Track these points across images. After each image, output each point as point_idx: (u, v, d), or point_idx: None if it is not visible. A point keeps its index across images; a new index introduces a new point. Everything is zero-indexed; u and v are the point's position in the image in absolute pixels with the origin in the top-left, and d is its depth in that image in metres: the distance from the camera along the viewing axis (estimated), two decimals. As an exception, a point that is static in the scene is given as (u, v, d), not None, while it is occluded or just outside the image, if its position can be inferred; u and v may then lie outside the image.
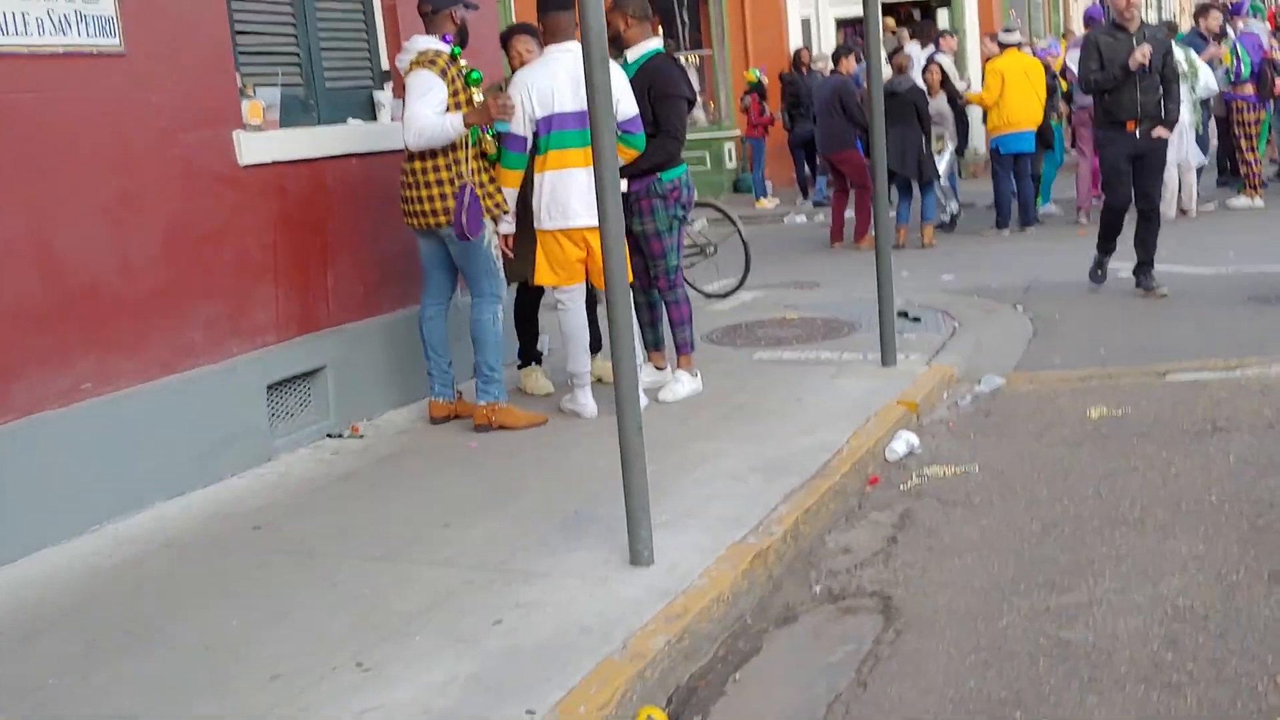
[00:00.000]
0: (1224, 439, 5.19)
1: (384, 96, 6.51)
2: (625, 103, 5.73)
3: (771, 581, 4.17)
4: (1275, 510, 4.35)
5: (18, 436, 4.53)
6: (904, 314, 7.73)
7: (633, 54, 6.16)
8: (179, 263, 5.23)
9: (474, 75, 5.73)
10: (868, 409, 5.81)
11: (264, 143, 5.67)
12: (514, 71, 6.14)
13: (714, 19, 18.73)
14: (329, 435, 5.99)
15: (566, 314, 6.00)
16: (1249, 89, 12.09)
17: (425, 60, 5.61)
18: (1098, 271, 8.76)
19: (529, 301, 6.72)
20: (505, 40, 6.40)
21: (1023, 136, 12.07)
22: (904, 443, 5.48)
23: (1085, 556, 4.11)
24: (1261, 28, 12.49)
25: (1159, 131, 8.11)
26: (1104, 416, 5.67)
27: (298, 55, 6.10)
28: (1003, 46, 12.32)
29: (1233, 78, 12.00)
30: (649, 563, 4.05)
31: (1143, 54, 7.82)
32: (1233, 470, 4.79)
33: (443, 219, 5.68)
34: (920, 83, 12.06)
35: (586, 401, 6.03)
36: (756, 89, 16.39)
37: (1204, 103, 12.25)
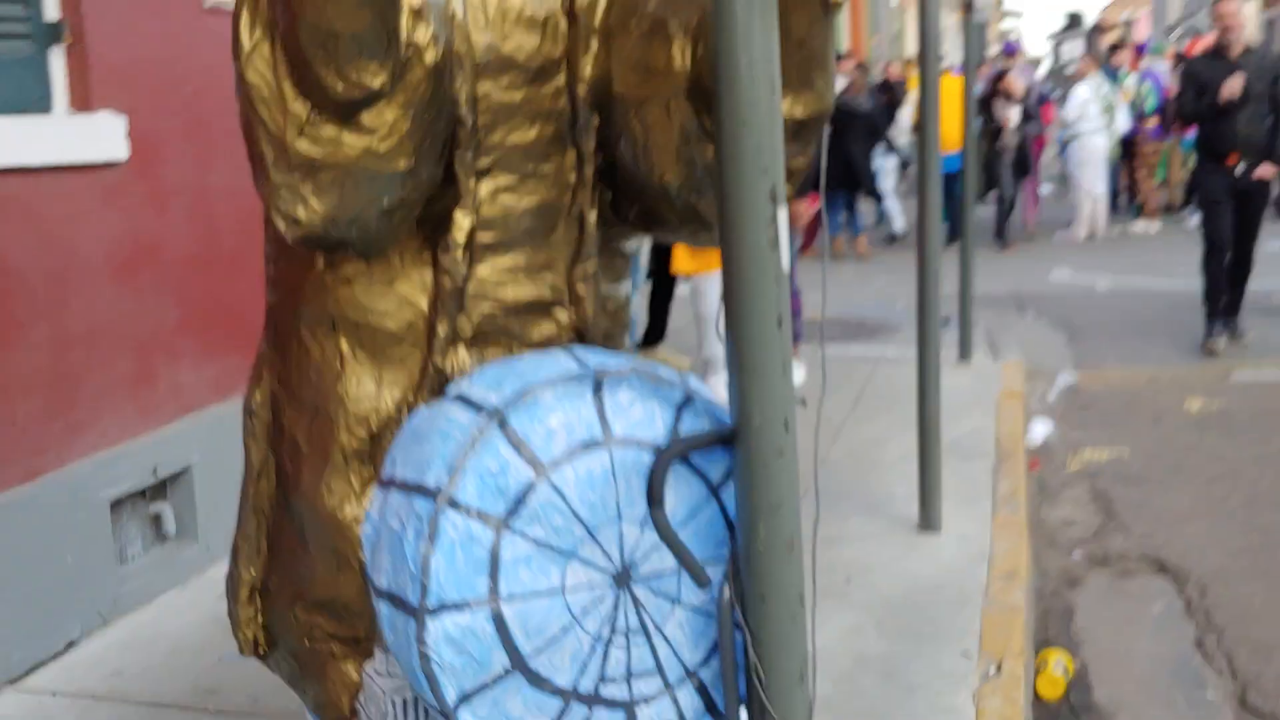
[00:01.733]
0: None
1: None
2: None
3: (1035, 550, 4.50)
4: None
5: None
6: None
7: None
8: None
9: None
10: (984, 399, 6.20)
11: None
12: None
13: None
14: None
15: (703, 299, 6.19)
16: (1153, 122, 13.13)
17: None
18: (1210, 337, 7.49)
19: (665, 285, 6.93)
20: None
21: (948, 159, 12.77)
22: (1040, 430, 5.90)
23: (1302, 524, 4.59)
24: (1163, 66, 13.59)
25: (1263, 171, 7.14)
26: (1204, 409, 6.21)
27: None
28: (930, 70, 12.99)
29: (1138, 112, 13.01)
30: (939, 529, 4.32)
31: (1237, 84, 6.86)
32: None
33: None
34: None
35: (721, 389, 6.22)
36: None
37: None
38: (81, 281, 3.65)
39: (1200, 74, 7.15)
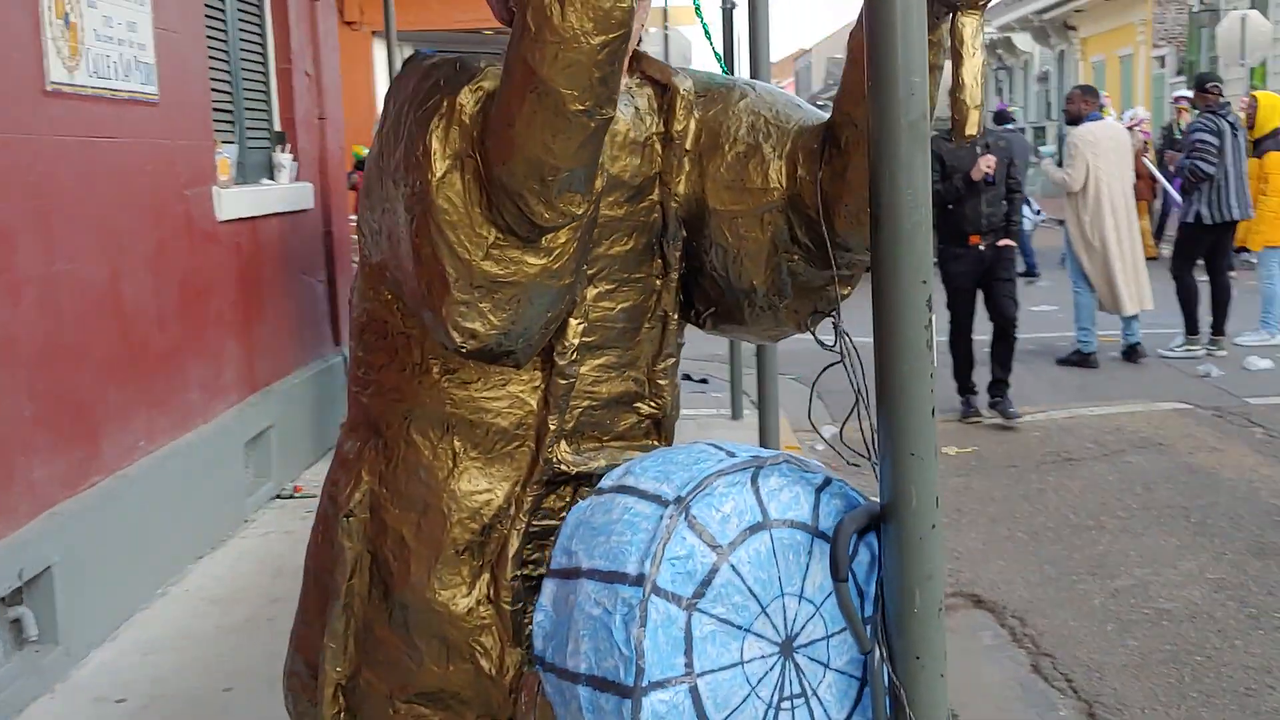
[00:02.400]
0: (1076, 466, 6.47)
1: (283, 159, 6.49)
2: None
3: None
4: (1202, 508, 5.61)
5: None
6: (687, 376, 8.60)
7: None
8: (185, 319, 5.07)
9: None
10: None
11: (234, 199, 5.59)
12: None
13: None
14: (278, 496, 5.90)
15: None
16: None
17: None
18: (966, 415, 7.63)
19: None
20: None
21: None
22: (828, 480, 6.32)
23: (1081, 556, 5.14)
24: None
25: (1005, 240, 7.34)
26: (960, 454, 6.81)
27: (232, 114, 6.01)
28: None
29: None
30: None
31: (990, 164, 7.12)
32: (1100, 485, 6.05)
33: None
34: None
35: None
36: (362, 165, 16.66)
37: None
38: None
39: (944, 155, 7.04)
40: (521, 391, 1.86)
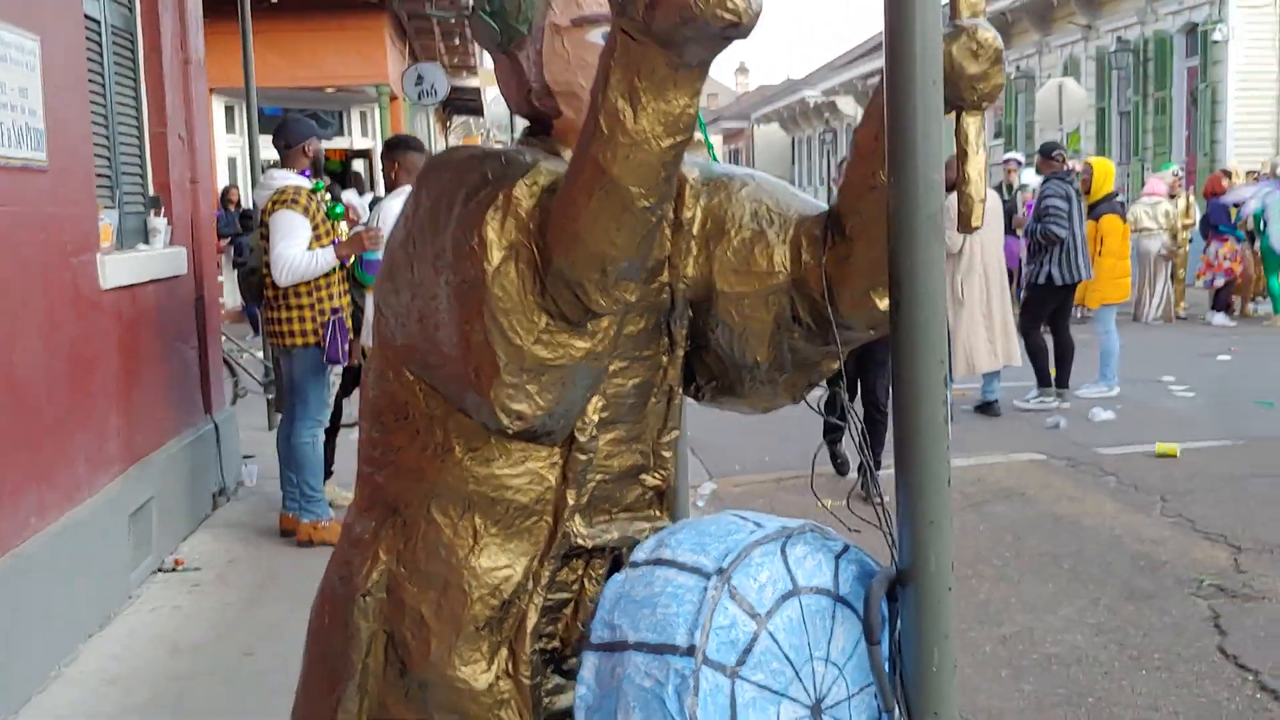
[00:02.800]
0: (985, 507, 6.73)
1: (158, 223, 6.38)
2: None
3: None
4: (1072, 555, 5.90)
5: None
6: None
7: None
8: (72, 389, 4.94)
9: (337, 210, 6.00)
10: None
11: (117, 266, 5.48)
12: (387, 183, 6.35)
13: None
14: (159, 570, 5.74)
15: None
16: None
17: (287, 199, 5.79)
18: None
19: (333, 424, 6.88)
20: (393, 151, 6.42)
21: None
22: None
23: (966, 604, 5.36)
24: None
25: None
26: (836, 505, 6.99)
27: (110, 179, 5.90)
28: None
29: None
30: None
31: None
32: (971, 535, 6.32)
33: (299, 340, 5.86)
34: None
35: None
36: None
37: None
38: None
39: None
40: (540, 468, 1.92)
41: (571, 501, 1.93)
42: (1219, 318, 14.91)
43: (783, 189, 2.07)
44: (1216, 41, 21.14)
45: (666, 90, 1.54)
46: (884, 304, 1.93)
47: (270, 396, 8.88)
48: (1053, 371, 9.59)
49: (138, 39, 6.39)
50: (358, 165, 20.20)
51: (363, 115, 20.89)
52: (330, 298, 5.96)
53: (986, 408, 9.27)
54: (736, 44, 1.55)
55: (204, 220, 7.17)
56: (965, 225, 1.83)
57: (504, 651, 1.94)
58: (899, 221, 1.73)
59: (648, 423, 2.04)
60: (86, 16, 5.53)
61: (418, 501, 1.94)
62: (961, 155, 1.83)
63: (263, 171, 7.70)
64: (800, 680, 1.76)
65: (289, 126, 6.04)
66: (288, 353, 5.98)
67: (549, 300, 1.71)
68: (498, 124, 21.50)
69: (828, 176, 37.08)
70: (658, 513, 2.09)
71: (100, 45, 5.80)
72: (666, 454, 2.07)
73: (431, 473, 1.93)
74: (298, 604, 5.00)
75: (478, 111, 36.05)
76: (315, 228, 5.82)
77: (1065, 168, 9.86)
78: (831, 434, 7.30)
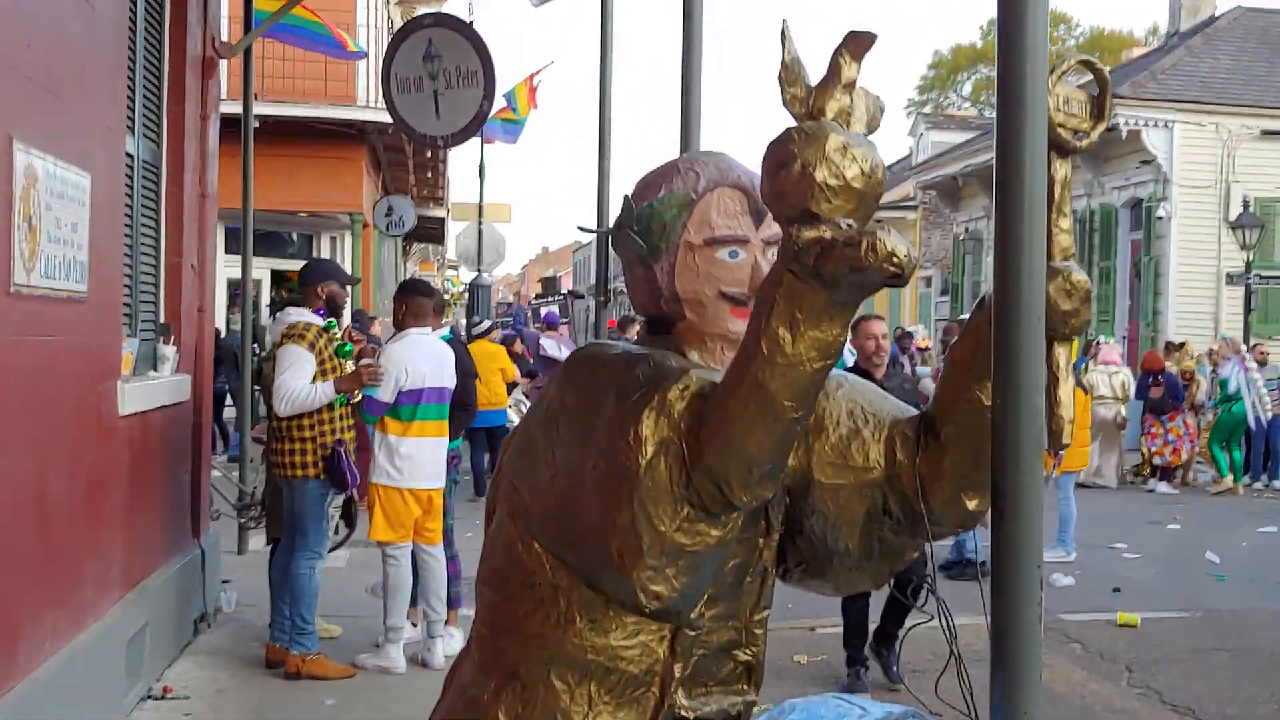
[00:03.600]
0: (918, 678, 6.87)
1: (168, 351, 6.52)
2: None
3: None
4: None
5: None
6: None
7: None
8: (88, 515, 5.03)
9: (346, 349, 6.18)
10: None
11: (133, 393, 5.60)
12: (395, 323, 6.54)
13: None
14: (148, 697, 5.75)
15: (399, 568, 6.37)
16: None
17: (295, 334, 6.02)
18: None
19: None
20: (404, 295, 6.57)
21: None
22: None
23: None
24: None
25: None
26: (811, 661, 7.15)
27: (129, 307, 6.05)
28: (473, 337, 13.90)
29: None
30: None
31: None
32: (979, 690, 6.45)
33: (299, 472, 6.01)
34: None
35: (398, 657, 6.36)
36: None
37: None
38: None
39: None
40: (651, 640, 2.10)
41: (678, 674, 2.10)
42: (1162, 486, 15.32)
43: (874, 390, 2.30)
44: (1160, 218, 22.05)
45: (822, 322, 1.76)
46: (972, 504, 2.14)
47: (242, 520, 8.93)
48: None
49: (162, 173, 6.60)
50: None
51: (333, 240, 21.16)
52: (332, 431, 6.11)
53: (964, 565, 9.41)
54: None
55: (206, 348, 7.32)
56: (1055, 443, 2.05)
57: None
58: (1004, 438, 1.94)
59: (743, 601, 2.22)
60: (126, 154, 5.73)
61: (538, 667, 2.10)
62: (1053, 380, 2.05)
63: (269, 305, 7.90)
64: None
65: (309, 267, 6.30)
66: (289, 484, 6.10)
67: (692, 492, 1.90)
68: (465, 258, 21.76)
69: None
70: (746, 686, 2.26)
71: (132, 180, 6.00)
72: (758, 631, 2.25)
73: (553, 640, 2.09)
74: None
75: (438, 240, 36.59)
76: (322, 364, 6.01)
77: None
78: (882, 643, 6.61)
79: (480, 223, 20.66)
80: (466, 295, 26.87)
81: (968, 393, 2.08)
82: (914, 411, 2.24)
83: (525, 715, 2.10)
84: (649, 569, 1.92)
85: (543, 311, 24.44)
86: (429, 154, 21.48)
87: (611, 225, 2.25)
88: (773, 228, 2.13)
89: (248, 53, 8.79)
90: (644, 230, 2.12)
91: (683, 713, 2.12)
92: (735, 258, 2.10)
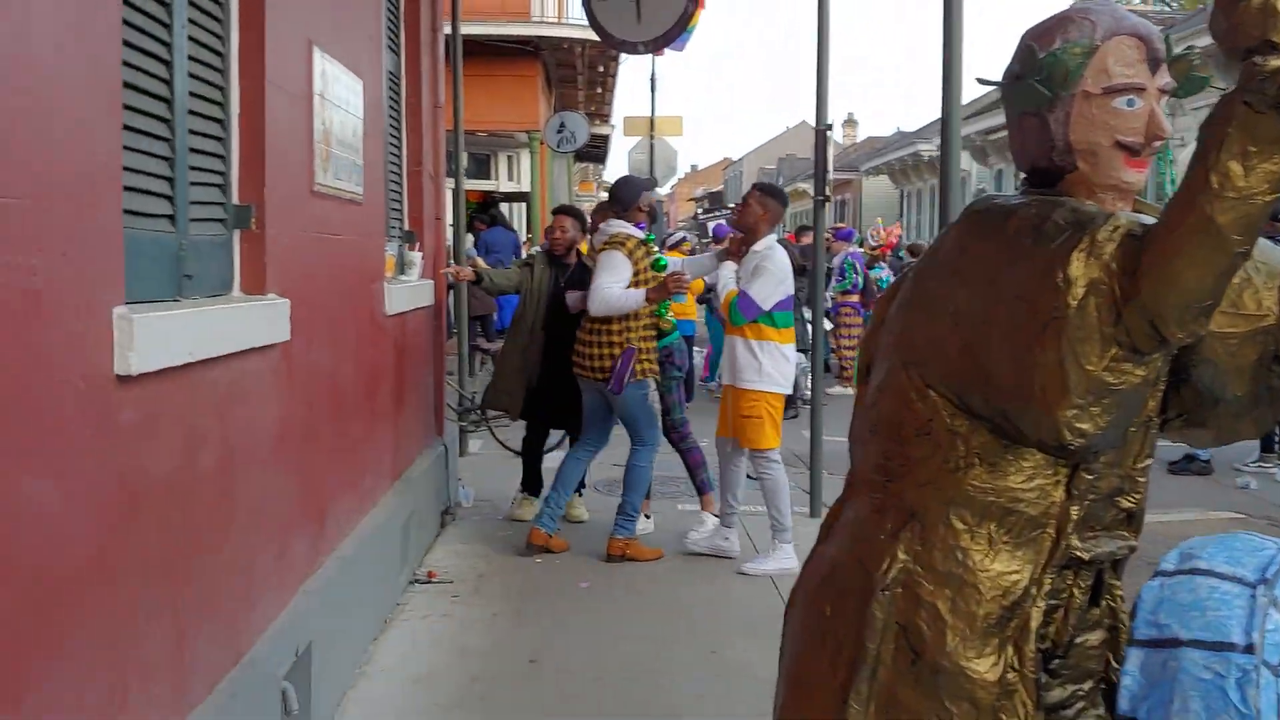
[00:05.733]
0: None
1: (414, 257, 6.79)
2: None
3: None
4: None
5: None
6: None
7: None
8: (370, 403, 5.32)
9: (661, 262, 6.51)
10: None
11: (394, 294, 5.86)
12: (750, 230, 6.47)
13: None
14: (414, 581, 6.09)
15: (780, 469, 6.48)
16: (855, 298, 14.72)
17: (616, 242, 6.38)
18: None
19: (537, 437, 7.36)
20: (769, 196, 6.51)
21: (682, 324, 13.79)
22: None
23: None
24: (860, 252, 15.32)
25: None
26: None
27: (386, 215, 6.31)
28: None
29: (848, 287, 14.58)
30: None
31: None
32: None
33: (601, 375, 6.32)
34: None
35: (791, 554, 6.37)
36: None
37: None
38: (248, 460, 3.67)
39: None
40: (1047, 484, 2.18)
41: (1074, 516, 2.19)
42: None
43: (1263, 242, 2.33)
44: None
45: (1276, 153, 1.81)
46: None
47: (463, 424, 9.25)
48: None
49: (401, 83, 6.83)
50: (502, 208, 20.76)
51: (509, 159, 21.47)
52: (636, 339, 6.42)
53: (1196, 463, 9.31)
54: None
55: (441, 255, 7.58)
56: None
57: (1010, 649, 2.19)
58: None
59: (1129, 449, 2.29)
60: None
61: (936, 508, 2.21)
62: None
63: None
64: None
65: (623, 186, 6.59)
66: (590, 385, 6.53)
67: (1120, 331, 1.97)
68: (638, 172, 21.83)
69: (940, 230, 36.86)
70: (1128, 532, 2.34)
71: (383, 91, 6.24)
72: (1140, 479, 2.32)
73: (951, 484, 2.19)
74: (562, 620, 5.31)
75: (599, 159, 36.77)
76: (637, 274, 6.28)
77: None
78: None
79: (652, 136, 20.69)
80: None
81: None
82: None
83: (925, 552, 2.21)
84: (1074, 407, 2.00)
85: (710, 226, 24.45)
86: (600, 68, 21.56)
87: (1002, 76, 2.31)
88: (1166, 77, 2.17)
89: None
90: (1046, 79, 2.17)
91: (1077, 553, 2.21)
92: (1132, 106, 2.14)
